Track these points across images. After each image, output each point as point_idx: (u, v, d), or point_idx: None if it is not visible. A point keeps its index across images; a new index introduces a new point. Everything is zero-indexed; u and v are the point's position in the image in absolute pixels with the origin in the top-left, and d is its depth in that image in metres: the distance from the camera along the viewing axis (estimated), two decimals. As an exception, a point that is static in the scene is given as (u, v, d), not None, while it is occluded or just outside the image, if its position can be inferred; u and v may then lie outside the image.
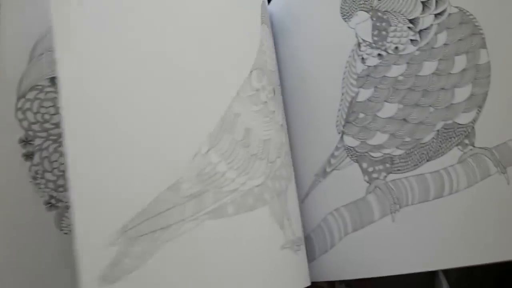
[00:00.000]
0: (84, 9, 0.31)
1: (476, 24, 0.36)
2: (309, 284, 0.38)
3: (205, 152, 0.32)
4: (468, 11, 0.37)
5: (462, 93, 0.36)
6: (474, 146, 0.36)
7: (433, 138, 0.37)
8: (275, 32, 0.46)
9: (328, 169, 0.40)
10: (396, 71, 0.38)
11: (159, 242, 0.28)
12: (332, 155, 0.40)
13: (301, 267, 0.38)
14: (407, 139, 0.37)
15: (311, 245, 0.41)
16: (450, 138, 0.36)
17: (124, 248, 0.27)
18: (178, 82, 0.33)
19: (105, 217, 0.27)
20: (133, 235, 0.27)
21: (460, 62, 0.37)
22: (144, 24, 0.33)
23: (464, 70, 0.37)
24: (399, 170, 0.38)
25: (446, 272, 0.46)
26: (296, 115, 0.44)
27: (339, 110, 0.40)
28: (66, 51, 0.29)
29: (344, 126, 0.40)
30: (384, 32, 0.39)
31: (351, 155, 0.39)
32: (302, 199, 0.42)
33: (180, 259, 0.29)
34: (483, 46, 0.36)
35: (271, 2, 0.47)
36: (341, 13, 0.40)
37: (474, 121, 0.36)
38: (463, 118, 0.36)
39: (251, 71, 0.37)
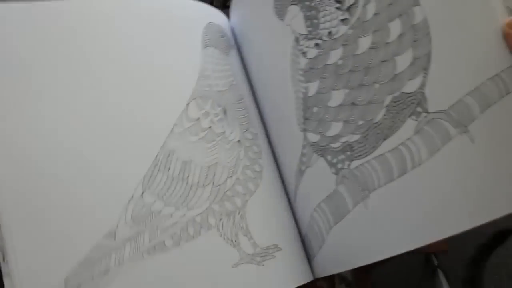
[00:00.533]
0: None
1: (403, -18, 0.34)
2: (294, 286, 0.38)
3: (139, 195, 0.34)
4: (390, -27, 0.35)
5: (404, 60, 0.34)
6: (428, 112, 0.33)
7: (384, 115, 0.35)
8: (240, 44, 0.47)
9: (302, 168, 0.40)
10: (334, 56, 0.37)
11: (101, 286, 0.30)
12: (302, 154, 0.40)
13: (272, 275, 0.37)
14: (360, 122, 0.36)
15: (309, 244, 0.41)
16: (402, 110, 0.34)
17: None
18: (109, 130, 0.34)
19: (46, 271, 0.29)
20: (75, 284, 0.29)
21: (395, 27, 0.34)
22: (73, 69, 0.34)
23: (401, 35, 0.34)
24: (359, 155, 0.36)
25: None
26: (270, 122, 0.44)
27: (296, 109, 0.40)
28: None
29: (304, 123, 0.39)
30: (315, 20, 0.38)
31: (316, 150, 0.38)
32: (293, 201, 0.42)
33: None
34: (416, 3, 0.34)
35: (231, 15, 0.48)
36: (276, 13, 0.40)
37: (422, 86, 0.33)
38: (410, 86, 0.34)
39: (187, 103, 0.38)
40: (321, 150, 0.38)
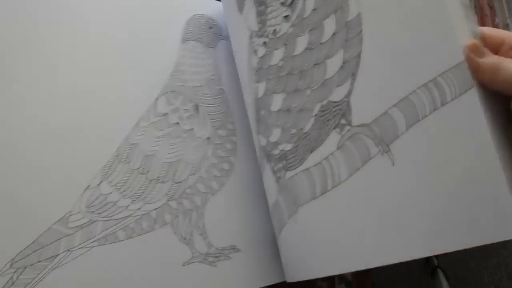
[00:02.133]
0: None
1: (341, -26, 0.30)
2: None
3: (96, 184, 0.34)
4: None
5: (334, 64, 0.30)
6: (351, 126, 0.29)
7: (313, 125, 0.31)
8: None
9: (261, 171, 0.39)
10: (277, 56, 0.34)
11: (47, 270, 0.31)
12: (259, 156, 0.38)
13: (226, 275, 0.36)
14: (293, 130, 0.33)
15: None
16: (327, 121, 0.30)
17: (12, 278, 0.30)
18: (73, 116, 0.35)
19: None
20: (21, 265, 0.30)
21: (329, 25, 0.31)
22: (48, 51, 0.35)
23: (334, 34, 0.30)
24: (291, 166, 0.33)
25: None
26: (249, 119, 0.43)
27: (253, 109, 0.38)
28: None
29: (257, 125, 0.37)
30: (264, 16, 0.35)
31: (265, 155, 0.37)
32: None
33: (68, 284, 0.31)
34: None
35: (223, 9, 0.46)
36: (237, 6, 0.38)
37: (348, 94, 0.29)
38: (337, 94, 0.30)
39: (157, 98, 0.38)
40: (267, 155, 0.36)
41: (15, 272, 0.30)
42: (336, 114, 0.29)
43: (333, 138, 0.30)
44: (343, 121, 0.29)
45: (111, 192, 0.34)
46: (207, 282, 0.36)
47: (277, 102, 0.34)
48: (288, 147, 0.33)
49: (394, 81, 0.27)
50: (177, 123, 0.38)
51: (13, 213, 0.31)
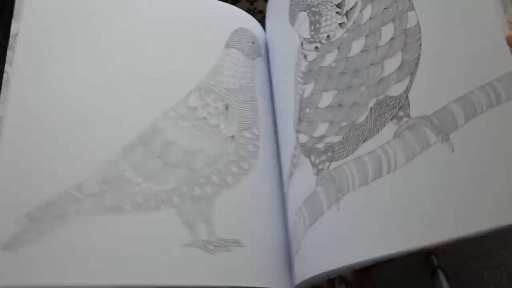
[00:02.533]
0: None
1: (402, -12, 0.34)
2: (229, 283, 0.37)
3: (115, 160, 0.36)
4: (389, -22, 0.35)
5: (392, 64, 0.34)
6: (410, 117, 0.32)
7: (367, 117, 0.34)
8: (270, 56, 0.49)
9: (292, 170, 0.40)
10: (329, 58, 0.37)
11: (56, 226, 0.33)
12: (293, 155, 0.40)
13: (223, 266, 0.37)
14: (344, 123, 0.35)
15: (291, 251, 0.40)
16: (384, 113, 0.33)
17: (25, 227, 0.32)
18: (107, 96, 0.38)
19: (15, 200, 0.33)
20: (35, 217, 0.33)
21: (387, 31, 0.34)
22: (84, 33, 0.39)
23: (392, 39, 0.34)
24: (339, 156, 0.35)
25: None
26: (278, 128, 0.45)
27: (294, 110, 0.40)
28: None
29: (298, 124, 0.39)
30: (317, 25, 0.38)
31: (304, 151, 0.38)
32: (286, 208, 0.42)
33: (72, 242, 0.33)
34: (411, 8, 0.34)
35: (266, 28, 0.50)
36: (289, 19, 0.42)
37: (407, 90, 0.33)
38: (395, 90, 0.33)
39: (190, 92, 0.41)
40: (307, 150, 0.38)
41: (29, 221, 0.33)
42: (393, 107, 0.33)
43: (390, 128, 0.32)
44: (400, 113, 0.32)
45: (127, 169, 0.37)
46: (201, 267, 0.36)
47: (326, 99, 0.36)
48: (336, 139, 0.35)
49: (454, 81, 0.31)
50: (205, 117, 0.41)
51: (36, 171, 0.34)
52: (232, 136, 0.41)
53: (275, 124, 0.45)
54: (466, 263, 0.53)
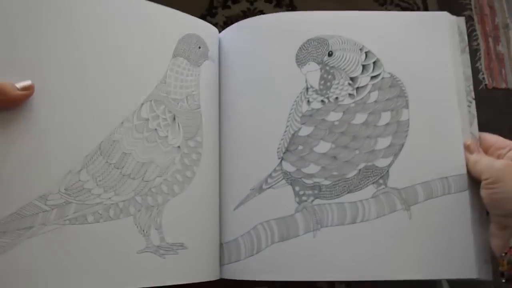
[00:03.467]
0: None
1: (403, 88, 0.45)
2: (179, 282, 0.42)
3: (77, 171, 0.39)
4: (397, 77, 0.46)
5: (383, 142, 0.45)
6: (386, 186, 0.44)
7: (355, 175, 0.44)
8: (222, 61, 0.52)
9: (264, 186, 0.47)
10: (334, 116, 0.46)
11: (22, 237, 0.36)
12: (270, 176, 0.47)
13: (170, 268, 0.42)
14: (335, 173, 0.45)
15: (238, 248, 0.46)
16: (368, 177, 0.44)
17: None
18: (67, 110, 0.39)
19: None
20: (2, 229, 0.35)
21: (386, 117, 0.45)
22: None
23: (388, 124, 0.45)
24: (324, 197, 0.45)
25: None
26: (240, 137, 0.49)
27: (282, 139, 0.47)
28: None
29: (284, 153, 0.47)
30: (329, 83, 0.47)
31: (287, 178, 0.46)
32: (234, 208, 0.47)
33: (38, 252, 0.36)
34: (406, 106, 0.45)
35: (222, 33, 0.53)
36: (296, 60, 0.48)
37: (389, 165, 0.44)
38: (381, 162, 0.44)
39: (142, 103, 0.43)
40: (292, 180, 0.46)
41: None
42: (377, 175, 0.44)
43: (370, 189, 0.44)
44: (380, 181, 0.44)
45: (88, 180, 0.39)
46: (155, 270, 0.42)
47: (323, 147, 0.46)
48: (325, 182, 0.45)
49: (422, 170, 0.44)
50: (155, 129, 0.44)
51: (1, 185, 0.36)
52: (179, 147, 0.45)
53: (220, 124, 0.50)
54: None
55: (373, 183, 0.44)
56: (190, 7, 0.49)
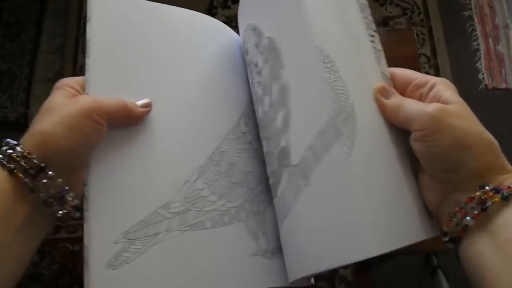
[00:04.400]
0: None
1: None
2: (286, 284, 0.42)
3: (193, 180, 0.42)
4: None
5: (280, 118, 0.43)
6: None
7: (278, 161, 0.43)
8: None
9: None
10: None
11: (150, 244, 0.38)
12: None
13: (276, 270, 0.43)
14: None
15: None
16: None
17: (125, 246, 0.37)
18: (181, 124, 0.43)
19: (113, 223, 0.37)
20: (132, 237, 0.37)
21: (275, 89, 0.43)
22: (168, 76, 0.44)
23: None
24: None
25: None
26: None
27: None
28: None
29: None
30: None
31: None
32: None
33: (164, 258, 0.38)
34: (282, 66, 0.42)
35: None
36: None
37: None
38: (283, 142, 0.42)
39: (239, 118, 0.47)
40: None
41: (127, 241, 0.38)
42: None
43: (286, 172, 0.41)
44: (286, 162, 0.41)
45: (204, 188, 0.42)
46: (265, 272, 0.43)
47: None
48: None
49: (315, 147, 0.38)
50: (250, 142, 0.47)
51: (129, 195, 0.39)
52: (263, 161, 0.47)
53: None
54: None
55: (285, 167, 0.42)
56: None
